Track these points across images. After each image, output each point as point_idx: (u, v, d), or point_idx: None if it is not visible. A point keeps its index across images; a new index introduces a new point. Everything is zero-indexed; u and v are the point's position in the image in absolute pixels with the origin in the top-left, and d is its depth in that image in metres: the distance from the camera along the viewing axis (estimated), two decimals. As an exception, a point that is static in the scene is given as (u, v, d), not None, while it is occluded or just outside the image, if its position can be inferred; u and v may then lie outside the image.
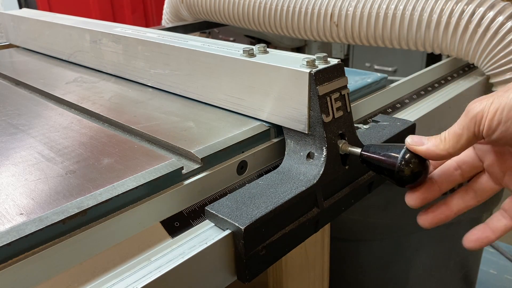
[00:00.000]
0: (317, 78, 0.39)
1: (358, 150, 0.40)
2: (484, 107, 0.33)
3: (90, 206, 0.32)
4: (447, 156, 0.36)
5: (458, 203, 0.40)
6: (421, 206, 0.39)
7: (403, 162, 0.36)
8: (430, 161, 0.38)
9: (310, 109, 0.39)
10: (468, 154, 0.41)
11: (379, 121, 0.51)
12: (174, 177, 0.37)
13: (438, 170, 0.41)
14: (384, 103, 0.59)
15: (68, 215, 0.31)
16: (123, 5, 2.44)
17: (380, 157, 0.38)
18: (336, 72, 0.40)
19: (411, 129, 0.50)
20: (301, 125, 0.40)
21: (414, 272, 0.89)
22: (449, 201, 0.40)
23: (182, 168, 0.37)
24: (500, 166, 0.38)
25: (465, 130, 0.35)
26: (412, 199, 0.39)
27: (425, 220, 0.41)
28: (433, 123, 0.60)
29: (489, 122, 0.33)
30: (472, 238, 0.39)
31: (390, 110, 0.59)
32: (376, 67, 1.67)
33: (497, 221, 0.39)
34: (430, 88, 0.67)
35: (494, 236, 0.38)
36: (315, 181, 0.38)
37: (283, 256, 0.38)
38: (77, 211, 0.31)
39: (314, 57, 0.40)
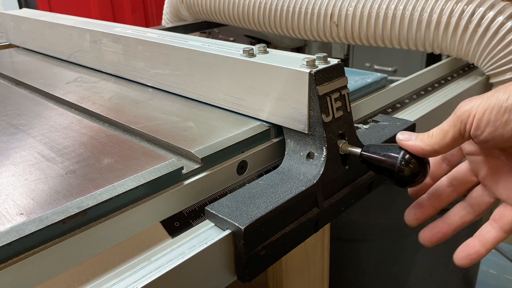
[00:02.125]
0: (317, 78, 0.39)
1: (358, 150, 0.40)
2: (472, 106, 0.33)
3: (90, 206, 0.32)
4: (432, 152, 0.36)
5: (455, 220, 0.41)
6: (418, 224, 0.40)
7: (403, 162, 0.36)
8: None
9: (310, 109, 0.39)
10: (459, 170, 0.41)
11: (379, 121, 0.51)
12: (174, 177, 0.37)
13: (433, 189, 0.41)
14: (384, 103, 0.59)
15: (68, 215, 0.31)
16: (123, 5, 2.44)
17: (380, 157, 0.38)
18: (336, 72, 0.40)
19: (411, 129, 0.50)
20: (301, 125, 0.40)
21: (414, 272, 0.89)
22: (446, 219, 0.41)
23: (182, 168, 0.37)
24: (494, 177, 0.38)
25: (451, 127, 0.35)
26: (409, 219, 0.41)
27: (425, 238, 0.42)
28: (433, 123, 0.60)
29: (478, 121, 0.33)
30: (462, 255, 0.38)
31: (390, 110, 0.59)
32: (376, 67, 1.67)
33: (486, 233, 0.38)
34: (430, 88, 0.67)
35: (484, 249, 0.38)
36: (315, 181, 0.38)
37: (283, 256, 0.38)
38: (77, 211, 0.31)
39: (314, 57, 0.40)
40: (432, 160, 0.42)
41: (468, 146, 0.39)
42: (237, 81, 0.45)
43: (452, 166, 0.42)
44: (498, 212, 0.38)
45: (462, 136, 0.34)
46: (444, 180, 0.41)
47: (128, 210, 0.34)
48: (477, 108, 0.33)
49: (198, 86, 0.50)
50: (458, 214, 0.40)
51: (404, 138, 0.37)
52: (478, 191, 0.40)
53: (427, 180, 0.42)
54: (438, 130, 0.36)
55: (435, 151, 0.36)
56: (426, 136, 0.36)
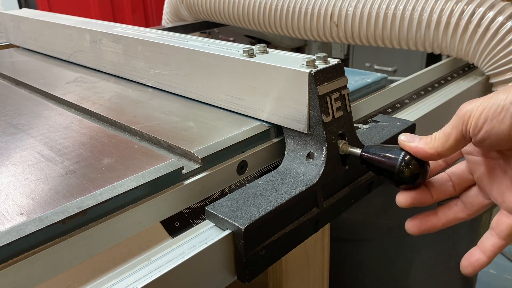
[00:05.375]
0: (317, 78, 0.39)
1: (358, 151, 0.40)
2: (473, 107, 0.33)
3: (90, 206, 0.32)
4: (435, 155, 0.36)
5: (447, 214, 0.40)
6: (410, 206, 0.39)
7: (403, 164, 0.36)
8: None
9: (310, 109, 0.39)
10: (458, 167, 0.41)
11: (379, 121, 0.51)
12: (174, 177, 0.37)
13: (431, 179, 0.41)
14: (384, 103, 0.59)
15: (68, 215, 0.31)
16: (123, 5, 2.44)
17: (380, 158, 0.37)
18: (336, 72, 0.40)
19: (411, 129, 0.50)
20: (301, 125, 0.40)
21: (414, 272, 0.89)
22: (438, 211, 0.41)
23: (182, 168, 0.37)
24: (489, 179, 0.38)
25: (453, 129, 0.35)
26: (403, 197, 0.39)
27: (412, 226, 0.41)
28: (433, 123, 0.60)
29: (476, 120, 0.33)
30: (465, 263, 0.39)
31: (390, 110, 0.59)
32: (376, 67, 1.67)
33: (486, 241, 0.38)
34: (430, 88, 0.67)
35: (485, 257, 0.38)
36: (315, 181, 0.38)
37: (283, 256, 0.38)
38: (77, 211, 0.31)
39: (314, 57, 0.40)
40: None
41: (466, 146, 0.39)
42: (237, 81, 0.45)
43: (448, 164, 0.42)
44: (496, 220, 0.38)
45: (464, 137, 0.34)
46: (444, 174, 0.41)
47: (128, 210, 0.34)
48: (477, 108, 0.33)
49: (198, 86, 0.50)
50: (451, 209, 0.40)
51: (407, 139, 0.37)
52: (473, 191, 0.40)
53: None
54: (441, 133, 0.36)
55: (438, 154, 0.36)
56: (429, 139, 0.36)
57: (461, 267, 0.39)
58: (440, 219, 0.40)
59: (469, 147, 0.39)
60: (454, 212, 0.40)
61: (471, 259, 0.38)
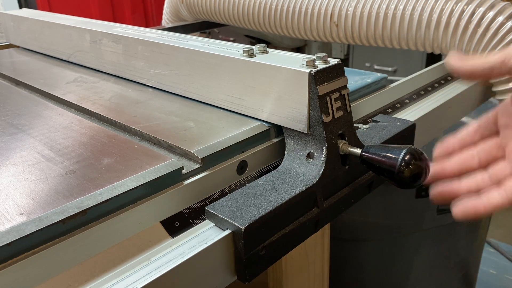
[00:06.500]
0: (317, 78, 0.39)
1: (358, 150, 0.40)
2: None
3: (90, 206, 0.32)
4: (468, 68, 0.38)
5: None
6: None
7: (403, 164, 0.36)
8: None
9: (310, 109, 0.39)
10: (488, 142, 0.42)
11: (379, 121, 0.51)
12: (174, 177, 0.37)
13: (456, 159, 0.42)
14: (384, 103, 0.59)
15: (68, 215, 0.31)
16: (123, 5, 2.45)
17: (380, 158, 0.37)
18: (336, 72, 0.40)
19: (411, 129, 0.50)
20: (301, 125, 0.40)
21: (414, 272, 0.89)
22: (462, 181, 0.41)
23: (182, 168, 0.37)
24: None
25: (496, 54, 0.37)
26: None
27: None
28: (433, 123, 0.60)
29: None
30: (460, 207, 0.40)
31: (390, 110, 0.59)
32: (376, 67, 1.67)
33: (492, 198, 0.39)
34: (430, 88, 0.67)
35: (483, 210, 0.39)
36: (315, 181, 0.38)
37: (283, 256, 0.38)
38: (77, 211, 0.31)
39: (314, 57, 0.40)
40: (465, 131, 0.44)
41: (503, 118, 0.40)
42: (237, 81, 0.45)
43: (484, 139, 0.43)
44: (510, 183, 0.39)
45: (501, 65, 0.36)
46: (471, 152, 0.42)
47: (128, 210, 0.34)
48: None
49: (198, 86, 0.50)
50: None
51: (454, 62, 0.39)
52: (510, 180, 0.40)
53: (456, 145, 0.43)
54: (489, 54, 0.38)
55: (473, 67, 0.38)
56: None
57: (455, 209, 0.40)
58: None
59: (506, 120, 0.40)
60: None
61: (471, 207, 0.39)
